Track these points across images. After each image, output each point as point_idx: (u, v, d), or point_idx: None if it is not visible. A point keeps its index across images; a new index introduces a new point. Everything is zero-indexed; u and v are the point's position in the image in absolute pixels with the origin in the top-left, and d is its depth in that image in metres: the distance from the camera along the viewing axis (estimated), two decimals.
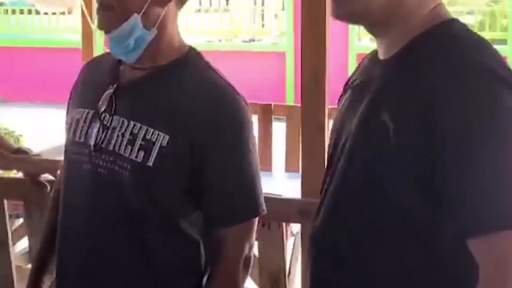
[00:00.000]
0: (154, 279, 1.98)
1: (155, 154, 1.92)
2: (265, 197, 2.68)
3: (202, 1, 14.00)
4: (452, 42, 1.62)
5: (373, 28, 1.71)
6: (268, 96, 8.92)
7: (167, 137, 1.92)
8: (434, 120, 1.53)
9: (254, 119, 5.05)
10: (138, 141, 1.94)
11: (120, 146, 1.96)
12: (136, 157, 1.94)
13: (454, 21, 1.66)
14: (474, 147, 1.51)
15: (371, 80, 1.70)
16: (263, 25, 14.05)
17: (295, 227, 3.62)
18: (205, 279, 2.03)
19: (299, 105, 4.93)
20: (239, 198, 1.99)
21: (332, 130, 1.82)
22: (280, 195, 2.73)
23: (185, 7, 2.03)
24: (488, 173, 1.51)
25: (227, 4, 14.15)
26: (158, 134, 1.93)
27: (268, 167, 4.91)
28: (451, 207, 1.54)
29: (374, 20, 1.67)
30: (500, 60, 1.59)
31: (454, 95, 1.52)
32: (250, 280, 3.72)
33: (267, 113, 4.95)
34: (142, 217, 1.95)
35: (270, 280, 2.71)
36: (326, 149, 1.84)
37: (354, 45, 11.97)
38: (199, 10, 13.82)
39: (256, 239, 2.73)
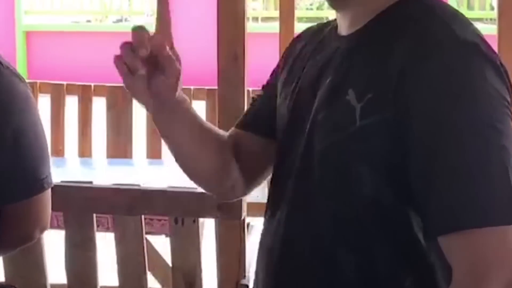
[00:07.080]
0: None
1: None
2: (179, 192, 2.44)
3: None
4: (427, 13, 1.41)
5: (335, 1, 1.49)
6: None
7: None
8: (405, 97, 1.32)
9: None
10: None
11: None
12: None
13: None
14: (451, 129, 1.30)
15: (331, 56, 1.48)
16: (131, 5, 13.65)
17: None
18: None
19: None
20: (24, 177, 1.93)
21: (281, 115, 1.59)
22: (195, 189, 2.46)
23: None
24: (465, 158, 1.30)
25: None
26: None
27: (128, 154, 4.64)
28: (421, 198, 1.33)
29: None
30: (482, 38, 1.40)
31: (429, 69, 1.32)
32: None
33: None
34: None
35: (184, 281, 2.46)
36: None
37: None
38: None
39: (169, 236, 2.49)
